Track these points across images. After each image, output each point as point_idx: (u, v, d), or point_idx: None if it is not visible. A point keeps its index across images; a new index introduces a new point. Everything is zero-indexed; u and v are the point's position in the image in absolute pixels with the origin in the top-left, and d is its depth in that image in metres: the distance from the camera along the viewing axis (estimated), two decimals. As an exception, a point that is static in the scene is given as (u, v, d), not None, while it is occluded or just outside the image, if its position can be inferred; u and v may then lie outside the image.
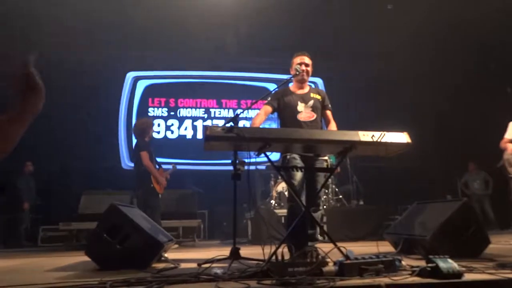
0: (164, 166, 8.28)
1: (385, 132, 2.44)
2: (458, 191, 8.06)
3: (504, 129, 4.84)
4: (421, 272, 1.92)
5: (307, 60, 3.32)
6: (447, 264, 1.87)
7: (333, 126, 3.34)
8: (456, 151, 8.49)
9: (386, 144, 2.43)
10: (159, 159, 8.36)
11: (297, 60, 3.32)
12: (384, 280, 1.80)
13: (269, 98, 3.33)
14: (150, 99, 9.09)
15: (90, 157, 7.74)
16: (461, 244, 2.68)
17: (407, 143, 2.49)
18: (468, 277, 1.88)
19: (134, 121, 8.82)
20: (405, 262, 2.14)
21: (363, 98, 8.43)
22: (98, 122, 8.15)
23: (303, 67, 3.27)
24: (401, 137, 2.49)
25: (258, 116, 3.30)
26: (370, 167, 7.98)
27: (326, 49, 7.52)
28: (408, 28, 6.93)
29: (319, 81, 9.17)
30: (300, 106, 3.24)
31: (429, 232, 2.73)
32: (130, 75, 9.09)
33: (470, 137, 8.32)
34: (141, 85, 9.13)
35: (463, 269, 1.95)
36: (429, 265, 1.90)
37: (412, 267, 2.03)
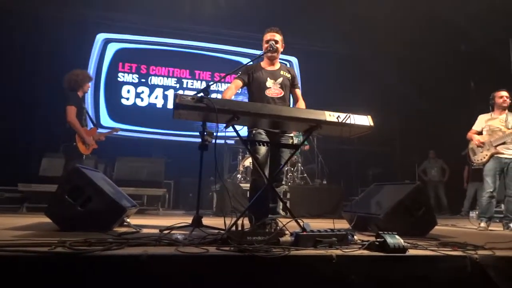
0: (129, 134, 8.20)
1: (350, 114, 2.53)
2: (416, 177, 8.47)
3: (465, 121, 5.10)
4: (370, 246, 2.06)
5: (277, 36, 3.32)
6: (394, 239, 2.02)
7: (301, 104, 3.40)
8: (418, 138, 8.88)
9: (350, 125, 2.52)
10: (126, 126, 8.28)
11: (267, 36, 3.33)
12: (335, 251, 1.92)
13: (239, 73, 3.33)
14: (120, 64, 8.80)
15: (53, 119, 7.47)
16: (411, 224, 2.87)
17: (370, 126, 2.60)
18: (411, 252, 2.04)
19: (103, 85, 8.57)
20: (358, 237, 2.28)
21: (334, 79, 8.56)
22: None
23: (272, 44, 3.26)
24: (365, 120, 2.59)
25: (229, 90, 3.30)
26: (335, 149, 8.23)
27: (301, 27, 7.52)
28: (383, 10, 7.02)
29: (294, 60, 9.19)
30: (269, 82, 3.27)
31: (383, 211, 2.90)
32: (101, 37, 8.73)
33: (432, 126, 8.71)
34: (112, 48, 8.80)
35: (408, 245, 2.11)
36: (378, 239, 2.04)
37: (363, 241, 2.17)
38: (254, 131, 3.14)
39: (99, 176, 2.99)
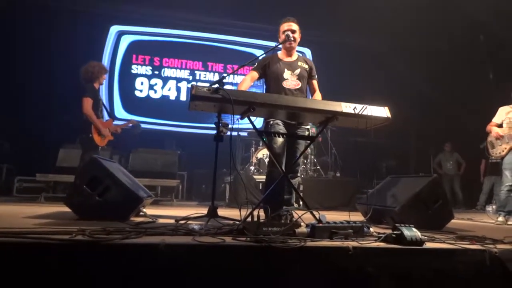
0: (143, 126, 8.27)
1: (366, 105, 2.50)
2: (431, 170, 8.36)
3: (483, 114, 4.99)
4: (387, 238, 2.05)
5: (294, 26, 3.28)
6: (411, 232, 2.00)
7: (318, 95, 3.38)
8: (434, 130, 8.73)
9: (367, 117, 2.49)
10: (141, 118, 8.35)
11: (284, 26, 3.29)
12: (352, 243, 1.91)
13: (256, 64, 3.30)
14: (134, 56, 8.86)
15: (70, 111, 7.59)
16: (427, 217, 2.84)
17: (387, 118, 2.56)
18: (428, 245, 2.02)
19: (117, 77, 8.64)
20: (374, 229, 2.27)
21: (349, 71, 8.46)
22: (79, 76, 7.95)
23: (290, 34, 3.22)
24: (382, 111, 2.56)
25: (244, 82, 3.29)
26: (349, 142, 8.16)
27: (315, 19, 7.42)
28: (398, 3, 6.89)
29: (307, 51, 9.11)
30: (287, 74, 3.24)
31: (399, 204, 2.87)
32: (115, 29, 8.79)
33: (448, 118, 8.56)
34: (125, 41, 8.86)
35: (426, 238, 2.09)
36: (395, 232, 2.02)
37: (379, 233, 2.16)
38: (271, 122, 3.13)
39: (115, 166, 3.03)
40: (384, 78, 8.22)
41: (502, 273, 1.94)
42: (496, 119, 4.67)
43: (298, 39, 3.34)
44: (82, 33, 7.90)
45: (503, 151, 4.47)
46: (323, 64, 8.24)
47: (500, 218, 4.35)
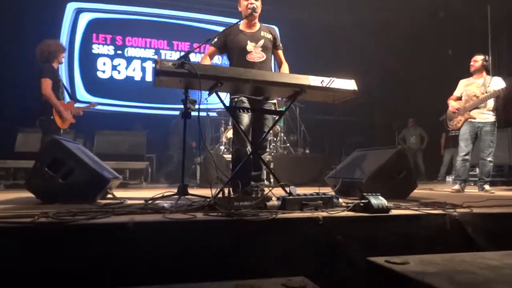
0: (107, 108, 7.99)
1: (334, 78, 2.52)
2: (396, 144, 8.65)
3: (444, 90, 5.17)
4: (355, 207, 2.11)
5: None
6: (378, 200, 2.07)
7: (285, 67, 3.28)
8: (398, 107, 9.00)
9: (334, 89, 2.51)
10: (105, 100, 8.06)
11: None
12: (321, 214, 1.96)
13: (215, 39, 3.14)
14: (94, 35, 8.45)
15: (27, 93, 7.18)
16: (392, 187, 2.93)
17: (354, 90, 2.59)
18: (394, 212, 2.10)
19: (77, 57, 8.24)
20: (342, 200, 2.33)
21: (315, 47, 8.47)
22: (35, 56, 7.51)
23: (251, 1, 3.07)
24: (349, 84, 2.59)
25: (204, 59, 3.16)
26: (317, 119, 8.26)
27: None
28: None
29: (275, 28, 9.01)
30: (250, 46, 3.10)
31: (366, 175, 2.95)
32: (72, 6, 8.32)
33: (412, 93, 8.83)
34: (84, 18, 8.41)
35: (391, 205, 2.17)
36: (362, 201, 2.08)
37: (348, 203, 2.22)
38: (236, 99, 3.04)
39: (78, 147, 2.91)
40: (349, 54, 8.31)
41: (462, 235, 2.05)
42: (457, 92, 4.86)
43: (260, 8, 3.17)
44: (36, 11, 7.42)
45: (458, 122, 4.69)
46: (289, 41, 8.24)
47: (456, 186, 4.60)
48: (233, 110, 2.98)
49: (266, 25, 3.29)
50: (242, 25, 3.20)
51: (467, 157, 4.62)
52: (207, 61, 3.15)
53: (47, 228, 1.59)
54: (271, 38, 3.23)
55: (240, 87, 2.59)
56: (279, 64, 3.34)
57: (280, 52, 3.32)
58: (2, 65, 7.04)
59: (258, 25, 3.24)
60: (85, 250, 1.59)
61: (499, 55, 7.12)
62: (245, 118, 3.05)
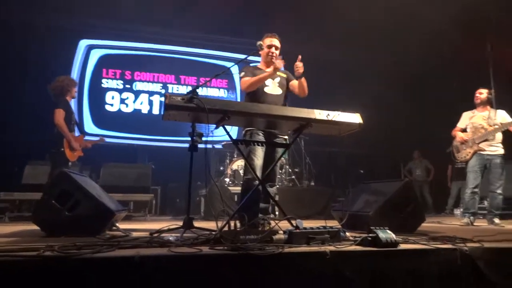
0: (115, 141, 8.08)
1: (339, 112, 2.56)
2: (402, 177, 8.59)
3: (448, 122, 5.21)
4: (363, 241, 2.08)
5: (276, 43, 3.42)
6: (386, 234, 2.04)
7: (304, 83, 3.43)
8: (403, 140, 9.01)
9: (339, 123, 2.54)
10: (112, 133, 8.17)
11: (267, 42, 3.40)
12: (329, 248, 1.93)
13: (244, 72, 3.37)
14: (104, 70, 8.68)
15: (36, 126, 7.32)
16: (400, 220, 2.90)
17: (359, 124, 2.63)
18: (403, 246, 2.07)
19: (86, 91, 8.44)
20: (349, 234, 2.30)
21: (322, 82, 8.62)
22: (47, 92, 7.71)
23: (273, 50, 3.38)
24: (354, 118, 2.62)
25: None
26: (322, 152, 8.30)
27: (284, 33, 7.56)
28: (364, 13, 7.14)
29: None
30: (268, 82, 3.35)
31: (373, 209, 2.92)
32: (84, 43, 8.60)
33: (416, 127, 8.86)
34: (95, 55, 8.69)
35: (400, 239, 2.14)
36: (370, 235, 2.06)
37: (355, 237, 2.19)
38: (252, 131, 3.19)
39: (86, 180, 2.93)
40: (355, 88, 8.44)
41: (473, 270, 2.00)
42: (460, 124, 4.88)
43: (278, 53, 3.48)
44: (49, 49, 7.70)
45: (467, 155, 4.67)
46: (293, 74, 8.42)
47: (465, 220, 4.52)
48: (244, 144, 3.05)
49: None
50: (261, 65, 3.52)
51: (476, 189, 4.58)
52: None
53: (53, 262, 1.58)
54: (286, 77, 3.50)
55: (249, 121, 2.64)
56: (295, 91, 3.43)
57: (294, 82, 3.46)
58: (14, 99, 7.23)
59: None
60: (91, 284, 1.57)
61: (500, 89, 7.19)
62: (259, 150, 3.18)
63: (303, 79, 3.30)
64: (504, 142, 4.62)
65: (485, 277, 1.99)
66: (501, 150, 4.55)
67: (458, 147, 4.81)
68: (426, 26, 7.26)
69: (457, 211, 6.48)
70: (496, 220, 4.43)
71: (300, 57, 3.21)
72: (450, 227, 4.07)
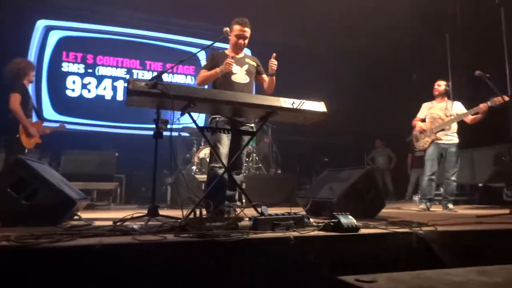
0: (76, 127, 7.77)
1: (304, 100, 2.59)
2: (365, 165, 8.86)
3: (409, 112, 5.41)
4: (325, 227, 2.14)
5: (247, 32, 3.36)
6: (348, 219, 2.11)
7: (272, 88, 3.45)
8: (366, 128, 9.29)
9: (304, 111, 2.58)
10: (72, 119, 7.85)
11: (237, 30, 3.33)
12: (293, 233, 1.97)
13: (206, 63, 3.34)
14: (64, 53, 8.28)
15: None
16: (361, 206, 3.00)
17: (324, 112, 2.68)
18: (363, 231, 2.15)
19: (45, 75, 8.03)
20: (313, 220, 2.36)
21: (287, 70, 8.67)
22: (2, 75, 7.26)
23: (242, 41, 3.34)
24: (319, 106, 2.67)
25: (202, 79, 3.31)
26: (289, 140, 8.40)
27: (254, 20, 7.53)
28: (328, 3, 7.25)
29: (247, 51, 9.18)
30: (235, 69, 3.30)
31: (336, 195, 3.01)
32: (41, 24, 8.14)
33: (379, 117, 9.15)
34: (54, 36, 8.25)
35: (361, 225, 2.22)
36: (333, 220, 2.12)
37: (318, 223, 2.25)
38: (217, 118, 3.16)
39: (44, 167, 2.81)
40: (320, 77, 8.57)
41: (428, 253, 2.12)
42: (420, 114, 5.10)
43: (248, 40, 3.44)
44: (3, 29, 7.22)
45: (425, 144, 4.90)
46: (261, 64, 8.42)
47: (422, 205, 4.76)
48: (211, 132, 3.02)
49: (249, 54, 3.55)
50: (229, 51, 3.44)
51: (433, 177, 4.81)
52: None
53: (9, 253, 1.52)
54: (255, 65, 3.47)
55: (215, 108, 2.63)
56: (265, 85, 3.47)
57: (264, 76, 3.50)
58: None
59: (243, 53, 3.51)
60: (50, 275, 1.52)
61: (459, 81, 7.56)
62: (225, 138, 3.16)
63: (273, 78, 3.32)
64: (459, 132, 4.87)
65: (439, 258, 2.11)
66: (456, 140, 4.80)
67: (417, 136, 5.03)
68: (388, 16, 7.45)
69: (416, 198, 6.80)
70: (450, 206, 4.69)
71: (274, 54, 3.22)
72: (408, 213, 4.27)
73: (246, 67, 3.40)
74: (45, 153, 6.12)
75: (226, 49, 3.52)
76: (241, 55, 3.47)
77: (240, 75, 3.33)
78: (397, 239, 2.10)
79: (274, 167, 7.13)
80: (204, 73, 3.29)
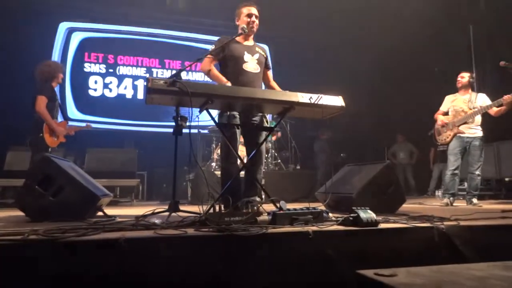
0: (99, 126, 7.96)
1: (322, 95, 2.58)
2: (385, 160, 8.72)
3: (431, 106, 5.30)
4: (344, 221, 2.13)
5: (254, 10, 3.24)
6: (367, 214, 2.10)
7: (275, 86, 3.38)
8: (388, 123, 9.14)
9: (322, 106, 2.57)
10: (95, 118, 8.05)
11: (245, 10, 3.24)
12: (312, 228, 1.98)
13: (210, 50, 3.20)
14: (86, 54, 8.49)
15: (17, 111, 7.14)
16: (381, 201, 2.97)
17: (342, 106, 2.66)
18: (383, 225, 2.13)
19: (68, 76, 8.25)
20: (332, 215, 2.36)
21: (305, 65, 8.63)
22: (28, 75, 7.49)
23: (253, 19, 3.21)
24: (337, 100, 2.65)
25: (210, 68, 3.20)
26: (307, 136, 8.37)
27: (271, 16, 7.52)
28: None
29: (265, 47, 9.18)
30: (247, 57, 3.20)
31: (355, 190, 2.99)
32: (64, 26, 8.37)
33: (400, 110, 8.98)
34: (76, 38, 8.47)
35: (380, 219, 2.20)
36: (352, 215, 2.11)
37: (338, 217, 2.24)
38: (228, 113, 3.08)
39: (69, 165, 2.91)
40: (338, 72, 8.48)
41: (449, 248, 2.08)
42: (443, 107, 4.98)
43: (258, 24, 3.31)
44: (28, 32, 7.46)
45: (447, 137, 4.79)
46: (279, 59, 8.40)
47: (445, 200, 4.66)
48: (224, 126, 3.02)
49: (258, 43, 3.41)
50: (239, 37, 3.27)
51: (456, 171, 4.71)
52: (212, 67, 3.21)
53: (37, 245, 1.59)
54: (264, 55, 3.36)
55: (231, 104, 2.64)
56: (267, 83, 3.42)
57: (270, 72, 3.45)
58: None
59: (252, 41, 3.38)
60: (75, 267, 1.58)
61: (483, 73, 7.33)
62: (237, 134, 3.11)
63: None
64: (483, 125, 4.73)
65: (461, 253, 2.07)
66: (480, 133, 4.67)
67: (439, 130, 4.92)
68: (409, 9, 7.29)
69: (438, 193, 6.66)
70: (475, 200, 4.58)
71: None
72: (430, 208, 4.19)
73: (257, 56, 3.26)
74: (70, 151, 6.31)
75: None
76: (251, 42, 3.33)
77: (251, 64, 3.20)
78: (417, 234, 2.07)
79: (293, 162, 7.12)
80: (214, 72, 3.17)
